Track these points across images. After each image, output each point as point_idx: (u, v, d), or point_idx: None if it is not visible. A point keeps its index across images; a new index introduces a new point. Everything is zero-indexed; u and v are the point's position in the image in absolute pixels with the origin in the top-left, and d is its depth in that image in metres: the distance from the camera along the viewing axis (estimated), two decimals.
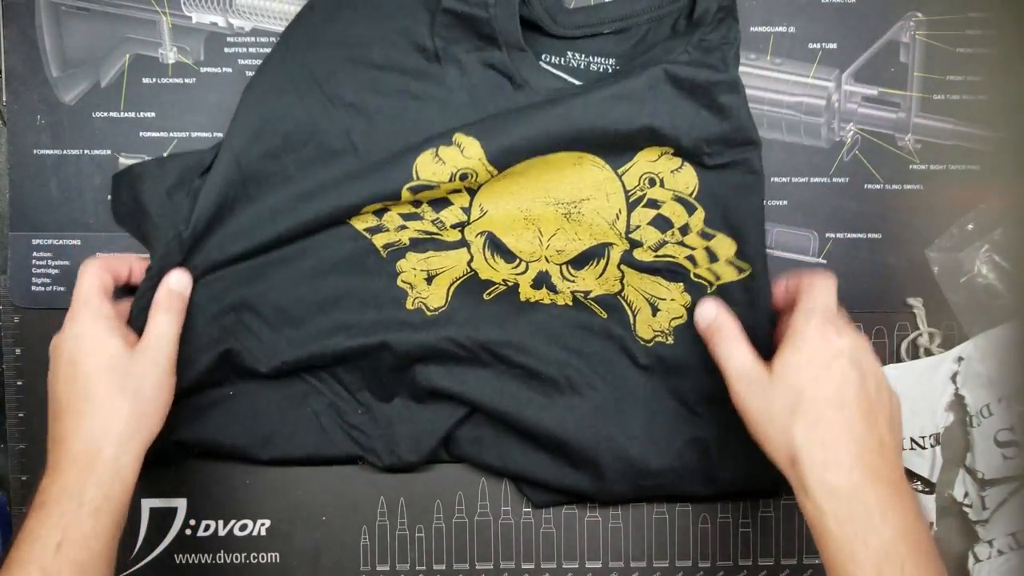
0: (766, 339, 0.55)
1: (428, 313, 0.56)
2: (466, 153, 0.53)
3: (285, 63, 0.55)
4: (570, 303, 0.55)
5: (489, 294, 0.56)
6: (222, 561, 0.58)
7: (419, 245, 0.55)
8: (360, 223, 0.55)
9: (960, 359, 0.56)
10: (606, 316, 0.56)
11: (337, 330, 0.55)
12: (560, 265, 0.55)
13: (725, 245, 0.55)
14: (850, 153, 0.58)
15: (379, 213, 0.55)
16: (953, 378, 0.56)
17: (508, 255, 0.55)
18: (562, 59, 0.56)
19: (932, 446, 0.56)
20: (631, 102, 0.53)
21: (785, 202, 0.58)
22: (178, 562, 0.58)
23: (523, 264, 0.55)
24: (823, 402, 0.45)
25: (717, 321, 0.51)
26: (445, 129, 0.53)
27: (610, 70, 0.56)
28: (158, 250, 0.54)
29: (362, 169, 0.54)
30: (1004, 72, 0.57)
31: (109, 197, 0.57)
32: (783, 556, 0.59)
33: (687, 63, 0.53)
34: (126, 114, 0.57)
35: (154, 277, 0.53)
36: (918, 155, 0.58)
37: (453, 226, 0.55)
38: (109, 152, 0.57)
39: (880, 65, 0.58)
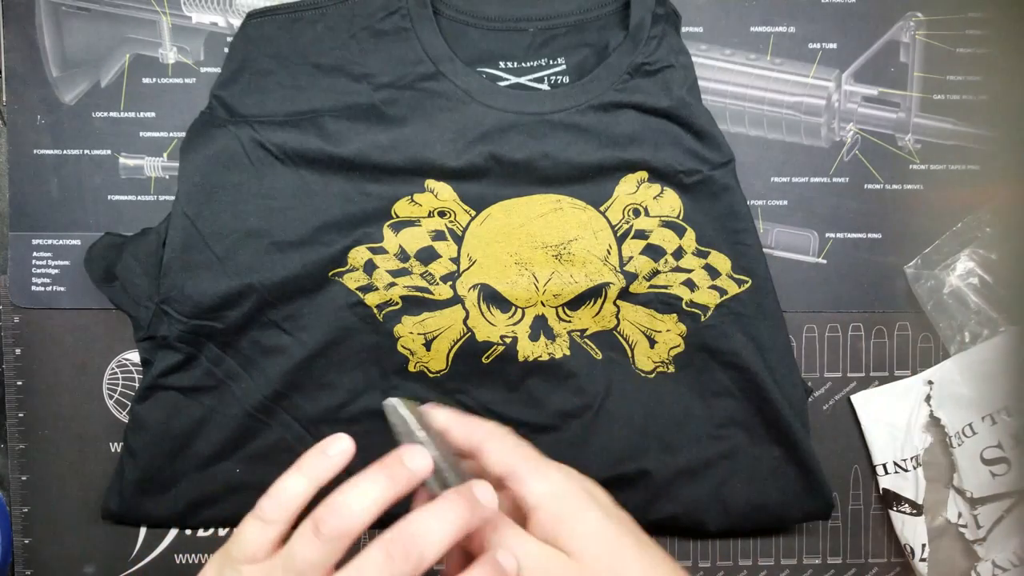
0: (783, 344, 0.55)
1: (431, 375, 0.55)
2: (440, 196, 0.54)
3: (218, 119, 0.55)
4: (568, 352, 0.55)
5: (488, 357, 0.55)
6: None
7: (413, 307, 0.55)
8: (351, 281, 0.55)
9: (930, 382, 0.56)
10: (601, 356, 0.55)
11: (345, 393, 0.55)
12: (556, 308, 0.55)
13: (721, 260, 0.55)
14: (850, 153, 0.58)
15: (368, 270, 0.55)
16: (927, 400, 0.56)
17: (503, 304, 0.55)
18: (514, 63, 0.56)
19: (914, 468, 0.56)
20: (588, 135, 0.54)
21: (785, 202, 0.58)
22: (178, 562, 0.58)
23: (519, 312, 0.55)
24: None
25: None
26: (410, 162, 0.54)
27: (565, 79, 0.56)
28: (138, 328, 0.54)
29: (336, 214, 0.54)
30: (1004, 72, 0.57)
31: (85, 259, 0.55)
32: (783, 556, 0.58)
33: (633, 91, 0.54)
34: (126, 114, 0.57)
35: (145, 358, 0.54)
36: (918, 155, 0.58)
37: (443, 279, 0.55)
38: (109, 152, 0.57)
39: (880, 65, 0.58)
